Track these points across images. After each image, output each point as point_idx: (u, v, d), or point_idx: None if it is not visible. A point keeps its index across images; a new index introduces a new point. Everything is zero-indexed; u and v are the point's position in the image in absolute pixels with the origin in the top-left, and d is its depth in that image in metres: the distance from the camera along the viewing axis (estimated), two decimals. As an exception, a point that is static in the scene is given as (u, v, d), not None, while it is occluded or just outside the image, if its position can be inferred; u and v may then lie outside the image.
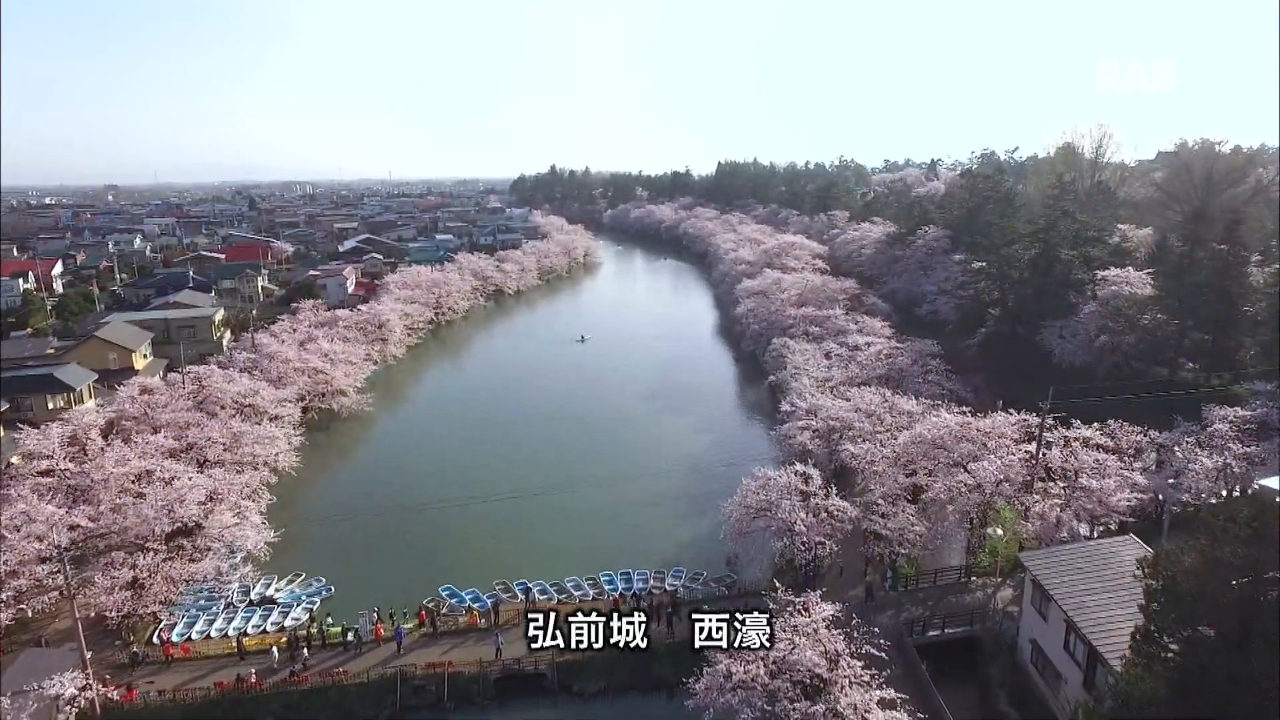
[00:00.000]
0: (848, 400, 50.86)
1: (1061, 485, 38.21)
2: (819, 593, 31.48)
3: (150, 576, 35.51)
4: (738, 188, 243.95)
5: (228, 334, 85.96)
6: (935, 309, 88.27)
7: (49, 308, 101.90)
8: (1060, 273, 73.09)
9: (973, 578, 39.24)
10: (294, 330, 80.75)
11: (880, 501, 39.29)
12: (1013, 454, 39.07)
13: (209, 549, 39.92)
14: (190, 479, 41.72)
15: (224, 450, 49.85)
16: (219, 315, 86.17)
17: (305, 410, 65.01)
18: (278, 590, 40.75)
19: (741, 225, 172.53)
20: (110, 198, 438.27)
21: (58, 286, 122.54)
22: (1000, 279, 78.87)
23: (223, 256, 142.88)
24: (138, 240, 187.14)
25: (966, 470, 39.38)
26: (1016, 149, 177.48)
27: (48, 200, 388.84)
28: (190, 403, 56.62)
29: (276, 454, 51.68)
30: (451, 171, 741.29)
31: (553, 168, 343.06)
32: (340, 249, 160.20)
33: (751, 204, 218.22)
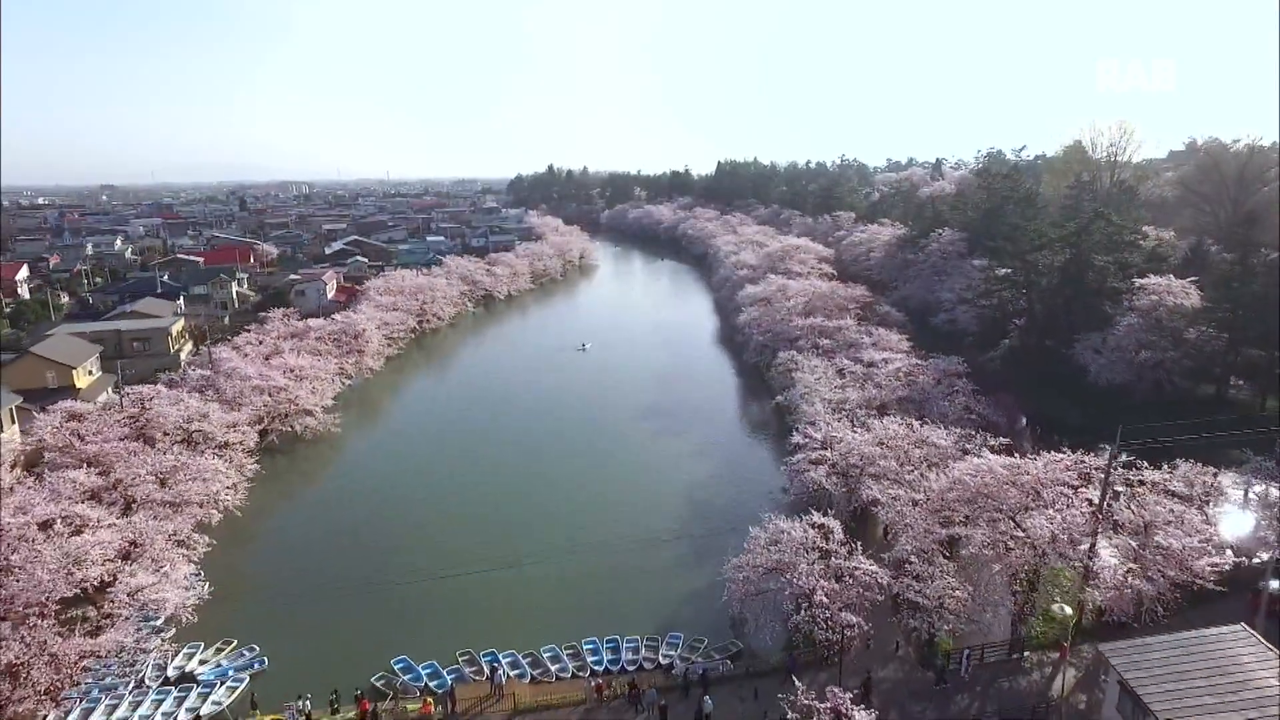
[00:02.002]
0: (868, 430, 44.62)
1: (1132, 543, 31.94)
2: (851, 693, 25.38)
3: (32, 659, 29.01)
4: (738, 188, 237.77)
5: (189, 346, 79.63)
6: (953, 318, 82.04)
7: (5, 315, 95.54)
8: (1094, 280, 66.90)
9: (1025, 653, 32.99)
10: (260, 342, 74.42)
11: (914, 560, 33.05)
12: (1072, 505, 32.79)
13: (122, 615, 33.87)
14: (96, 529, 35.39)
15: (157, 487, 43.64)
16: (178, 326, 79.69)
17: (264, 434, 58.80)
18: (201, 663, 34.44)
19: (742, 226, 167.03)
20: (104, 198, 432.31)
21: (23, 292, 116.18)
22: (1027, 287, 72.72)
23: (202, 260, 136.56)
24: (118, 242, 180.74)
25: (1015, 522, 33.15)
26: (1024, 148, 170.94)
27: (40, 200, 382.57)
28: (127, 429, 50.34)
29: (219, 490, 45.41)
30: (450, 171, 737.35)
31: (550, 167, 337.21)
32: (326, 251, 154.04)
33: (752, 204, 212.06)
